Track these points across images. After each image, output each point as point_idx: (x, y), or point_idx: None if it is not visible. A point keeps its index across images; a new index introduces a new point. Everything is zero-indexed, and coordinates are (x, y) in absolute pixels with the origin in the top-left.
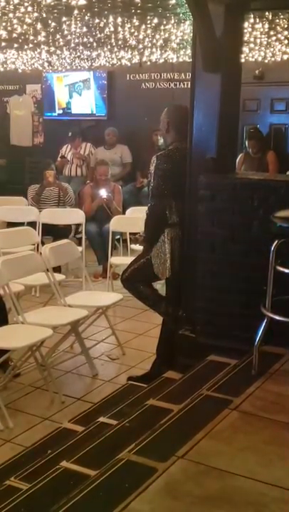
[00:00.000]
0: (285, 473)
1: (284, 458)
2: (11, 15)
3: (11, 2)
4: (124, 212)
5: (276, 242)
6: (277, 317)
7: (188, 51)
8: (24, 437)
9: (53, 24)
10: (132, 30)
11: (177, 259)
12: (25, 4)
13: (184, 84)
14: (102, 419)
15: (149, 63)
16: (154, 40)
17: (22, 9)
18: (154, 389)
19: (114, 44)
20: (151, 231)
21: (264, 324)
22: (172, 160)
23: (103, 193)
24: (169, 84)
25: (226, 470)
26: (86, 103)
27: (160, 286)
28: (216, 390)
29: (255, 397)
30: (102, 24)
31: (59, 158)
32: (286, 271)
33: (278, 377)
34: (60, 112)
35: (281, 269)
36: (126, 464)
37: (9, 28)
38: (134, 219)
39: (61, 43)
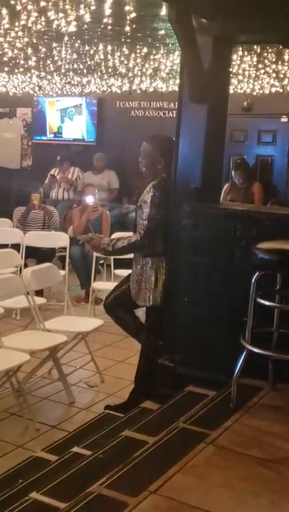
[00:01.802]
0: (259, 511)
1: (258, 495)
2: (1, 39)
3: (2, 26)
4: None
5: (257, 273)
6: (256, 349)
7: (178, 81)
8: None
9: (44, 50)
10: (122, 59)
11: (161, 288)
12: (16, 29)
13: (172, 114)
14: (75, 449)
15: (138, 91)
16: (144, 69)
17: (13, 34)
18: (131, 419)
19: (104, 71)
20: (124, 252)
21: (243, 356)
22: (165, 189)
23: (90, 199)
24: (158, 112)
25: (198, 507)
26: (77, 128)
27: (142, 314)
28: (193, 422)
29: (231, 431)
30: (92, 51)
31: (47, 180)
32: (266, 303)
33: (256, 412)
34: (52, 136)
35: (261, 301)
36: (96, 498)
37: (0, 52)
38: None
39: (52, 69)
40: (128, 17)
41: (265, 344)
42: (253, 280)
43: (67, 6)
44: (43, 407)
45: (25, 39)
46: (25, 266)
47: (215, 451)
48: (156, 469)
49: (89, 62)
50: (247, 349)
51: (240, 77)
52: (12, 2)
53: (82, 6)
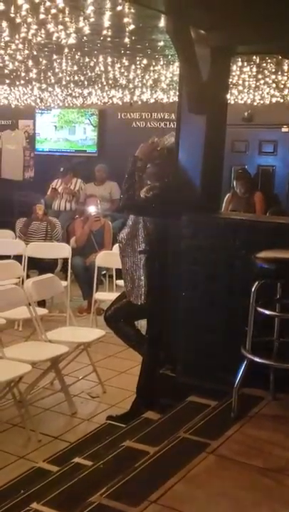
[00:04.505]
0: None
1: (258, 504)
2: (2, 51)
3: (2, 39)
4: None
5: (257, 283)
6: (257, 359)
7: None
8: None
9: (44, 62)
10: (122, 70)
11: (152, 288)
12: (16, 42)
13: (173, 124)
14: (77, 459)
15: (139, 103)
16: (144, 80)
17: (13, 46)
18: (132, 430)
19: (105, 83)
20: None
21: (244, 366)
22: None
23: (92, 209)
24: (160, 123)
25: None
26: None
27: (143, 324)
28: (194, 432)
29: (232, 440)
30: (92, 63)
31: (49, 192)
32: (266, 312)
33: (257, 421)
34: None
35: (261, 310)
36: (96, 508)
37: (1, 64)
38: None
39: (52, 81)
40: (127, 29)
41: (266, 353)
42: (253, 289)
43: (67, 19)
44: (45, 418)
45: (26, 51)
46: (28, 277)
47: (216, 461)
48: (156, 479)
49: (89, 74)
50: (248, 358)
51: (241, 88)
52: (12, 15)
53: (81, 18)
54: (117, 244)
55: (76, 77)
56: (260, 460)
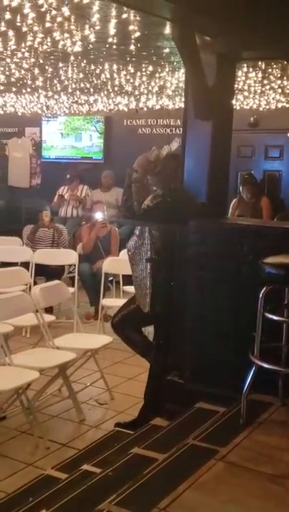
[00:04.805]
0: None
1: (267, 511)
2: (8, 60)
3: (9, 48)
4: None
5: (265, 288)
6: (265, 365)
7: (184, 98)
8: (6, 483)
9: (50, 70)
10: (128, 77)
11: (159, 297)
12: (23, 50)
13: (179, 131)
14: (85, 466)
15: (145, 109)
16: (150, 87)
17: (19, 55)
18: (141, 436)
19: (110, 90)
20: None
21: (252, 372)
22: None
23: (99, 215)
24: (165, 130)
25: None
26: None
27: (150, 330)
28: (203, 439)
29: (241, 447)
30: (98, 71)
31: (55, 199)
32: (274, 318)
33: (266, 427)
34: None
35: (269, 316)
36: None
37: (7, 73)
38: (127, 261)
39: (58, 88)
40: (132, 36)
41: (274, 359)
42: (260, 295)
43: (73, 27)
44: (53, 424)
45: (32, 60)
46: (35, 284)
47: (225, 468)
48: (165, 486)
49: (95, 81)
50: (256, 364)
51: (246, 93)
52: (18, 24)
53: (87, 26)
54: (125, 251)
55: (82, 85)
56: (270, 466)
